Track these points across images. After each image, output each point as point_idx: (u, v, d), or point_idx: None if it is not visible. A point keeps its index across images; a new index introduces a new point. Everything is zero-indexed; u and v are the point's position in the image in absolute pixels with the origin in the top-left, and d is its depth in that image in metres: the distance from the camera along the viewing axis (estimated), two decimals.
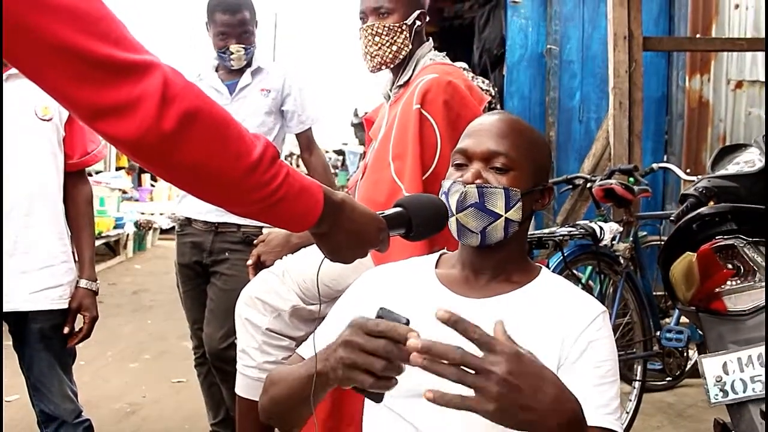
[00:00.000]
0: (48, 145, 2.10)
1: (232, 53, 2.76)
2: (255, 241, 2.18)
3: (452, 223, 1.28)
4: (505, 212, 1.25)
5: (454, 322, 0.95)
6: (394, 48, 2.10)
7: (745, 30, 5.51)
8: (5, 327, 2.14)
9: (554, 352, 1.19)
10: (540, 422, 0.94)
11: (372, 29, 2.10)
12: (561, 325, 1.22)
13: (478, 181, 1.26)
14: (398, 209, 1.26)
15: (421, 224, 1.26)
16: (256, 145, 0.98)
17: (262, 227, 2.77)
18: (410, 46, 2.11)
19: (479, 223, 1.25)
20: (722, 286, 1.95)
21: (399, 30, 2.09)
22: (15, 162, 2.02)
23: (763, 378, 1.83)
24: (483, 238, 1.27)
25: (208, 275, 2.83)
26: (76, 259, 2.22)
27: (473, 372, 0.93)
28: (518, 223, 1.28)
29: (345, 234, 1.15)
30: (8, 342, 2.16)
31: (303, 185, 1.05)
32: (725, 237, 1.94)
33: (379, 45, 2.10)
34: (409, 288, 1.33)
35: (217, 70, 2.90)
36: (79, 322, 2.17)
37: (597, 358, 1.20)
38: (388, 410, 1.27)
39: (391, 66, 2.15)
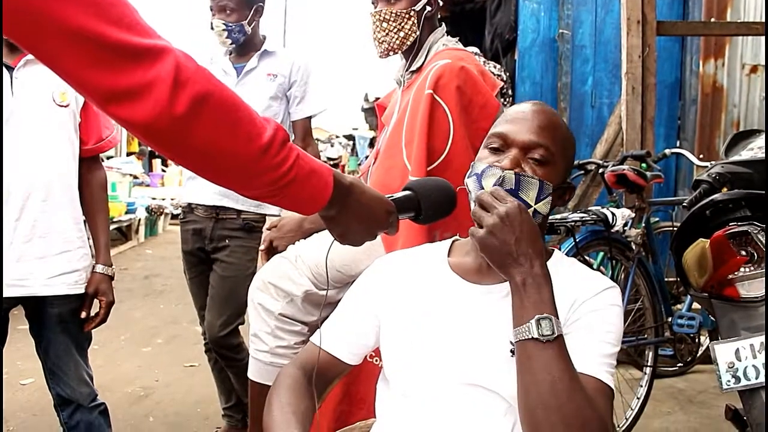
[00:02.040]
0: (65, 131, 2.11)
1: (214, 28, 2.74)
2: (267, 226, 2.19)
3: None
4: (535, 203, 1.24)
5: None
6: (401, 34, 2.10)
7: (761, 14, 5.44)
8: (23, 311, 2.16)
9: (562, 315, 1.18)
10: (511, 264, 1.14)
11: (380, 15, 2.09)
12: (571, 295, 1.22)
13: (517, 169, 1.24)
14: (407, 192, 1.26)
15: (431, 207, 1.27)
16: (266, 128, 0.99)
17: (263, 214, 2.77)
18: (418, 32, 2.10)
19: None
20: (735, 273, 1.93)
21: (407, 16, 2.08)
22: (33, 148, 2.03)
23: None
24: None
25: (212, 261, 2.84)
26: (91, 244, 2.24)
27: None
28: (543, 216, 1.27)
29: (354, 217, 1.16)
30: (24, 326, 2.19)
31: (313, 168, 1.06)
32: (739, 223, 1.93)
33: (387, 31, 2.10)
34: (421, 276, 1.34)
35: (230, 54, 2.89)
36: (95, 307, 2.19)
37: (602, 319, 1.21)
38: (401, 395, 1.28)
39: (399, 52, 2.14)
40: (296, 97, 2.89)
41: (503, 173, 1.23)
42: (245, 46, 2.83)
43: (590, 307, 1.21)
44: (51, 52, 0.84)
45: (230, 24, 2.73)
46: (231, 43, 2.79)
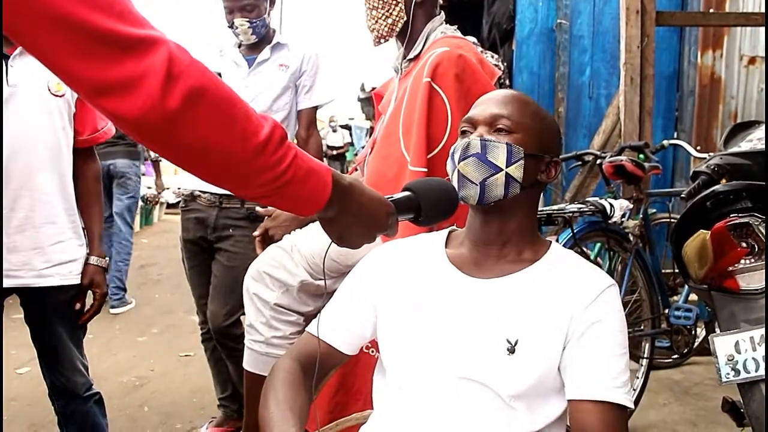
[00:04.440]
0: (59, 120, 2.09)
1: (237, 27, 2.75)
2: (261, 212, 2.17)
3: (454, 178, 1.28)
4: (506, 167, 1.24)
5: None
6: (390, 21, 2.09)
7: (760, 4, 5.42)
8: (16, 300, 2.14)
9: (563, 326, 1.18)
10: None
11: (369, 3, 2.11)
12: (569, 300, 1.21)
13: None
14: (407, 193, 1.24)
15: (431, 209, 1.24)
16: (263, 126, 0.95)
17: None
18: (405, 18, 2.09)
19: (479, 174, 1.24)
20: (736, 265, 1.92)
21: (394, 2, 2.08)
22: (26, 137, 2.01)
23: None
24: (482, 192, 1.25)
25: (213, 251, 2.83)
26: (85, 234, 2.22)
27: None
28: (519, 183, 1.26)
29: (353, 218, 1.12)
30: (19, 315, 2.17)
31: (311, 168, 1.02)
32: (740, 215, 1.91)
33: (376, 18, 2.10)
34: (419, 268, 1.32)
35: (239, 46, 2.89)
36: (89, 299, 2.17)
37: (605, 330, 1.19)
38: (397, 387, 1.26)
39: (390, 38, 2.14)
40: (305, 86, 2.90)
41: (468, 140, 1.26)
42: (261, 39, 2.84)
43: (592, 317, 1.19)
44: (37, 42, 0.80)
45: (254, 20, 2.76)
46: (256, 39, 2.81)
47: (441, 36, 2.09)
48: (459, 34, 2.16)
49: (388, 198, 1.20)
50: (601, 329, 1.19)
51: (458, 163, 1.26)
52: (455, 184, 1.27)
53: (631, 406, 1.17)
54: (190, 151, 0.91)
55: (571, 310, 1.20)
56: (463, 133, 1.32)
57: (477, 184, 1.25)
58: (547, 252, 1.31)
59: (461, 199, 1.28)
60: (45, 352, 2.15)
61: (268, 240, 2.11)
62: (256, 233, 2.13)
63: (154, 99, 0.82)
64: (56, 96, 2.07)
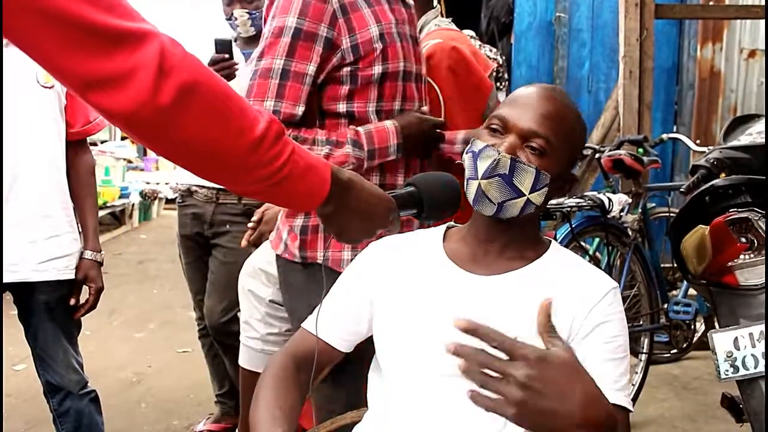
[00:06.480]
0: (50, 112, 2.07)
1: (236, 18, 2.73)
2: (254, 218, 2.11)
3: (472, 187, 1.21)
4: (529, 193, 1.19)
5: (473, 331, 0.89)
6: None
7: None
8: (11, 297, 2.13)
9: (564, 327, 1.16)
10: (563, 426, 0.90)
11: None
12: (572, 301, 1.19)
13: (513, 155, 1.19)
14: (409, 188, 1.21)
15: (434, 204, 1.22)
16: (259, 121, 0.93)
17: None
18: None
19: (500, 195, 1.19)
20: (735, 260, 1.90)
21: None
22: (17, 130, 1.99)
23: None
24: (498, 211, 1.21)
25: (210, 247, 2.81)
26: (80, 230, 2.20)
27: (496, 376, 0.88)
28: (536, 206, 1.23)
29: (353, 214, 1.10)
30: (15, 312, 2.15)
31: (309, 163, 1.00)
32: (739, 210, 1.90)
33: None
34: (416, 263, 1.30)
35: (236, 41, 2.87)
36: (84, 294, 2.16)
37: (607, 333, 1.18)
38: (393, 385, 1.25)
39: None
40: None
41: (498, 156, 1.18)
42: (258, 32, 2.83)
43: (596, 320, 1.18)
44: (25, 35, 0.78)
45: (253, 12, 2.74)
46: (254, 31, 2.78)
47: (435, 28, 2.07)
48: (454, 26, 2.14)
49: (390, 193, 1.17)
50: (604, 332, 1.17)
51: (482, 179, 1.19)
52: (471, 194, 1.21)
53: (632, 408, 1.15)
54: (183, 148, 0.89)
55: (573, 311, 1.18)
56: (493, 131, 1.22)
57: (495, 205, 1.20)
58: (547, 251, 1.29)
59: (475, 208, 1.25)
60: (38, 349, 2.13)
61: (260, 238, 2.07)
62: (251, 236, 2.06)
63: (146, 94, 0.81)
64: (45, 87, 2.04)
